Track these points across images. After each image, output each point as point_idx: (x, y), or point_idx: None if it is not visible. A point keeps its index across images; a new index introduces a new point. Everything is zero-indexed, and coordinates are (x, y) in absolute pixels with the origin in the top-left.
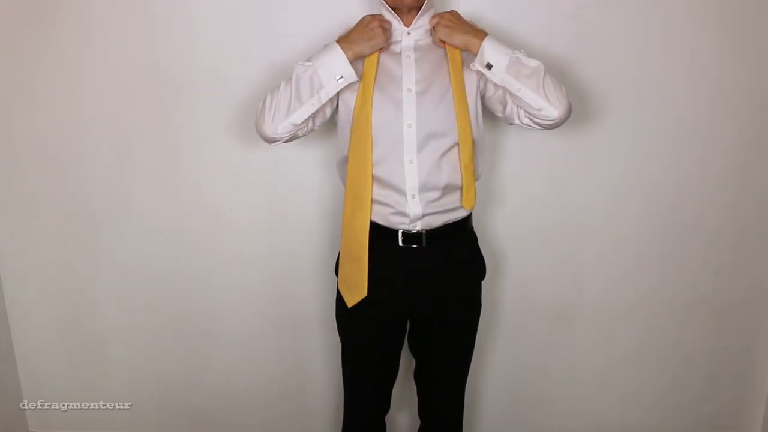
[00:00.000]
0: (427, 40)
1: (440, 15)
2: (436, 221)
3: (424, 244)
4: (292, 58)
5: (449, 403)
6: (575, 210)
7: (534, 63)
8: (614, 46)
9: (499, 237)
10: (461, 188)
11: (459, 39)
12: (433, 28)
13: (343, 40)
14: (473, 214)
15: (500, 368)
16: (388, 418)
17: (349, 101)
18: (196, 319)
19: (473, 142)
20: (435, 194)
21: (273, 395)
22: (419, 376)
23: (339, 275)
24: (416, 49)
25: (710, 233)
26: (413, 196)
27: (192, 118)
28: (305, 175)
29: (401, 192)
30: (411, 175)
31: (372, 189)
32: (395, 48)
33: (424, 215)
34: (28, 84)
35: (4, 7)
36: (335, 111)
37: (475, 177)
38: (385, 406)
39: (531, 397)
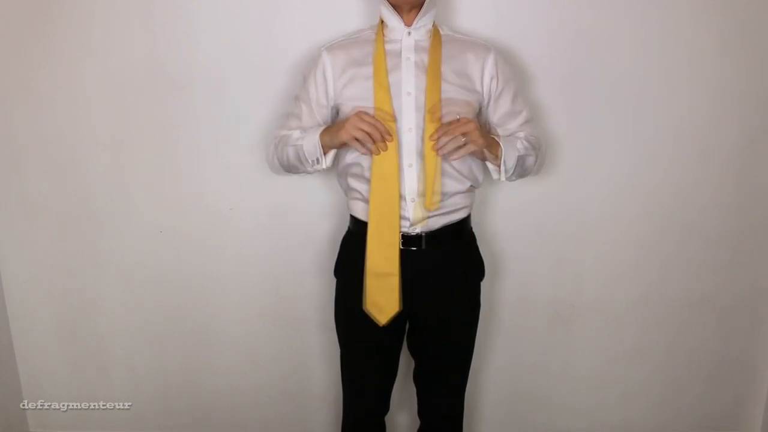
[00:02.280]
0: (428, 41)
1: (464, 125)
2: (436, 223)
3: (423, 247)
4: (291, 58)
5: (449, 403)
6: (575, 210)
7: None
8: (614, 46)
9: (499, 237)
10: (457, 192)
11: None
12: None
13: (325, 130)
14: (472, 215)
15: (500, 368)
16: (387, 418)
17: (354, 102)
18: (196, 319)
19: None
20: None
21: (273, 395)
22: (418, 377)
23: (364, 295)
24: (417, 50)
25: (710, 233)
26: (413, 200)
27: (192, 118)
28: (305, 176)
29: (401, 196)
30: (410, 179)
31: (399, 203)
32: (395, 47)
33: (423, 218)
34: (29, 84)
35: (5, 8)
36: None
37: (476, 184)
38: (385, 407)
39: (531, 397)
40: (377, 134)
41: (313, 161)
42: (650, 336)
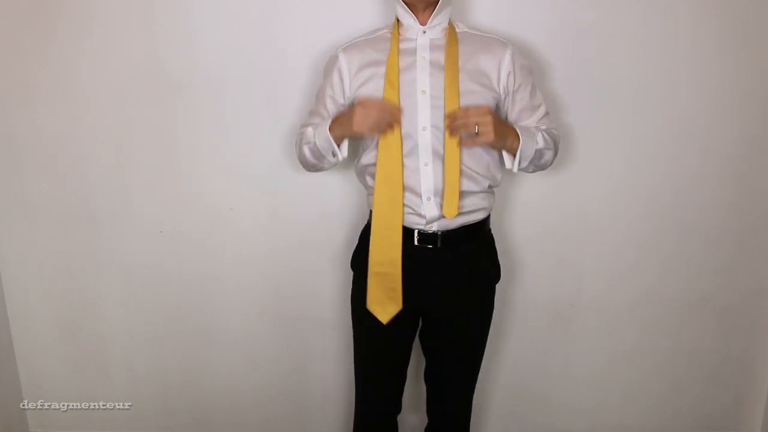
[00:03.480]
0: (443, 39)
1: (480, 116)
2: (453, 223)
3: (439, 245)
4: (291, 58)
5: (457, 402)
6: (575, 210)
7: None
8: (614, 46)
9: (499, 237)
10: (475, 192)
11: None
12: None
13: (334, 122)
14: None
15: (500, 368)
16: (398, 418)
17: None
18: (196, 319)
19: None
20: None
21: (273, 395)
22: (429, 375)
23: (368, 294)
24: (432, 48)
25: (710, 233)
26: (429, 199)
27: (192, 118)
28: (305, 175)
29: (417, 194)
30: (426, 178)
31: (402, 201)
32: (410, 46)
33: (440, 217)
34: (29, 84)
35: (5, 8)
36: None
37: (494, 183)
38: (397, 407)
39: (531, 397)
40: (386, 116)
41: (329, 155)
42: (650, 336)
